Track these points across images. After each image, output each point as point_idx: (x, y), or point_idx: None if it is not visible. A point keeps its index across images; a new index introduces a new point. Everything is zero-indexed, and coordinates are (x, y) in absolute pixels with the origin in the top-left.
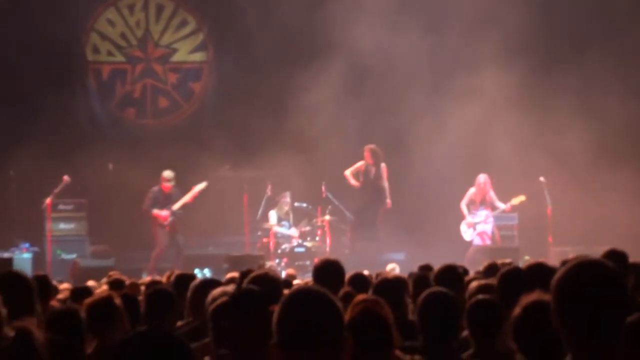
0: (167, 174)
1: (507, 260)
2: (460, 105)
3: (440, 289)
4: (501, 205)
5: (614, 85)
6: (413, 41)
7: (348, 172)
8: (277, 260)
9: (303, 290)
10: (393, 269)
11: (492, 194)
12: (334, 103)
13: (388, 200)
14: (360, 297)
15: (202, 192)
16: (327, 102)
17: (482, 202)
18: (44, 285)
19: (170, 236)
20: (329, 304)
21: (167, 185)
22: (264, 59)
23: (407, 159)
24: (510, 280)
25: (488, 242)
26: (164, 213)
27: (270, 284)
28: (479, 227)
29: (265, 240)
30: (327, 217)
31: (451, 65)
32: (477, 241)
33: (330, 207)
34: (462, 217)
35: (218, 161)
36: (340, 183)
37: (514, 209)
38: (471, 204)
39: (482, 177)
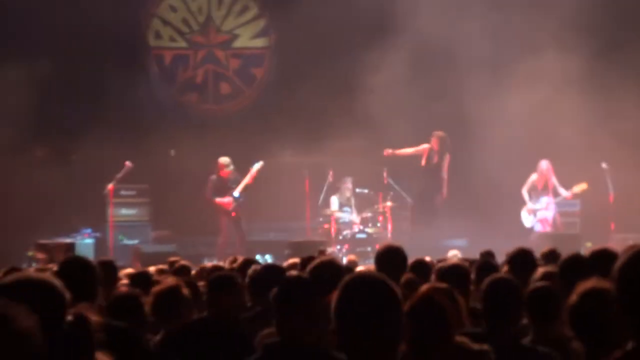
0: (224, 160)
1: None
2: (523, 88)
3: (504, 275)
4: (563, 192)
5: None
6: (476, 23)
7: (409, 150)
8: (338, 247)
9: (362, 277)
10: (455, 255)
11: (554, 180)
12: (398, 86)
13: (444, 190)
14: (426, 286)
15: (262, 175)
16: (389, 85)
17: (544, 188)
18: (109, 271)
19: (234, 223)
20: (388, 291)
21: (226, 172)
22: (325, 44)
23: (469, 143)
24: (571, 267)
25: (549, 228)
26: (227, 200)
27: (332, 270)
28: (540, 213)
29: (326, 226)
30: (389, 203)
31: (514, 47)
32: (538, 228)
33: (391, 193)
34: (524, 203)
35: (280, 147)
36: (401, 169)
37: (575, 196)
38: (532, 190)
39: (544, 163)
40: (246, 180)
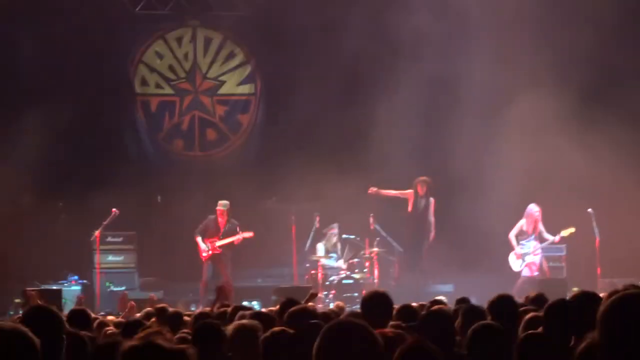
0: (221, 203)
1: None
2: (511, 133)
3: (490, 322)
4: (550, 237)
5: None
6: (464, 70)
7: (394, 192)
8: (325, 293)
9: (342, 323)
10: (441, 300)
11: (540, 225)
12: (386, 132)
13: (432, 234)
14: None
15: (249, 221)
16: (376, 134)
17: (533, 232)
18: (82, 319)
19: (211, 268)
20: (368, 337)
21: (221, 216)
22: (313, 90)
23: (456, 188)
24: (556, 312)
25: (536, 273)
26: (203, 247)
27: (307, 317)
28: (528, 258)
29: (313, 272)
30: (375, 249)
31: (502, 94)
32: (526, 272)
33: (378, 238)
34: (511, 248)
35: (265, 193)
36: (388, 215)
37: (563, 240)
38: (520, 235)
39: (534, 207)
40: (232, 239)
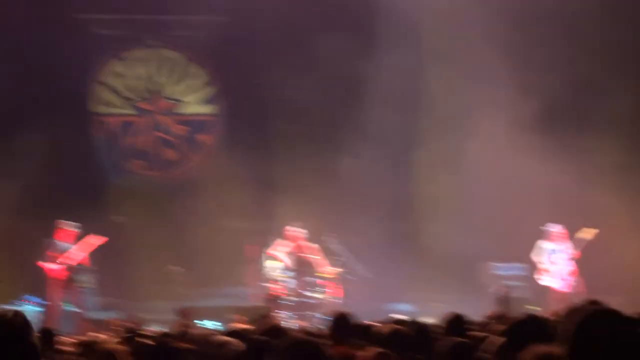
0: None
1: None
2: (468, 151)
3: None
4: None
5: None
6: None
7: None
8: (283, 312)
9: (294, 341)
10: (399, 320)
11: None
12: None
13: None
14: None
15: (206, 241)
16: (330, 154)
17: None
18: (47, 339)
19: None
20: (318, 355)
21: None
22: (275, 112)
23: (418, 208)
24: (517, 332)
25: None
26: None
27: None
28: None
29: (271, 291)
30: (335, 268)
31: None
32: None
33: (336, 257)
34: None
35: (223, 212)
36: (349, 232)
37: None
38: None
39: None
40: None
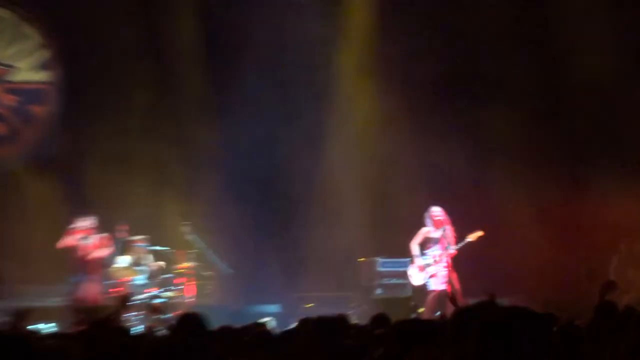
0: None
1: None
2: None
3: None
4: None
5: None
6: None
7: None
8: (132, 313)
9: None
10: (268, 322)
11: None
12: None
13: None
14: None
15: (47, 232)
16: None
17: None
18: None
19: None
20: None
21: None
22: (123, 82)
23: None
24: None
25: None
26: None
27: None
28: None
29: (117, 288)
30: (191, 263)
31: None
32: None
33: (194, 251)
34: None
35: (63, 197)
36: (206, 224)
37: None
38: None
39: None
40: None
